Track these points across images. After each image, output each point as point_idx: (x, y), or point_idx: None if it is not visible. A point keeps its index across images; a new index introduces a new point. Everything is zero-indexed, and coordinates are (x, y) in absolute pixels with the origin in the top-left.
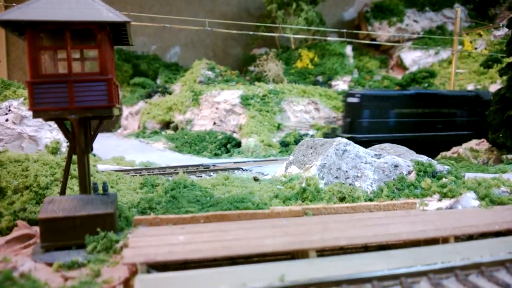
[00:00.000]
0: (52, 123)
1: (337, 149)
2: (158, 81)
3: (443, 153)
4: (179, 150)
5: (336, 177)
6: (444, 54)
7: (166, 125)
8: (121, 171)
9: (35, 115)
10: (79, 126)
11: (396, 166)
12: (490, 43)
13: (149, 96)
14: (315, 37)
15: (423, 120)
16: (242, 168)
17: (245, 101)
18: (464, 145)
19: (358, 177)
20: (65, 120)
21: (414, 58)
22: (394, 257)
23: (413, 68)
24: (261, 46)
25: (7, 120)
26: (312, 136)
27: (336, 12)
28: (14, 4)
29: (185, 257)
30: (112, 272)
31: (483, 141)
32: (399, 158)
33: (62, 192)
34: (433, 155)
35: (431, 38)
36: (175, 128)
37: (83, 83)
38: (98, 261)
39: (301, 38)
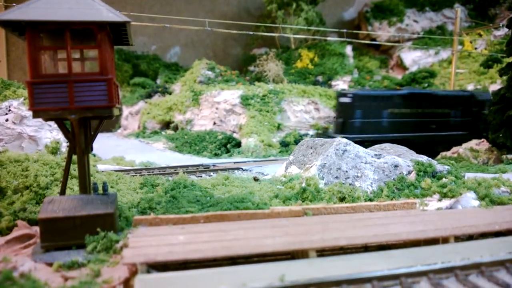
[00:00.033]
0: (52, 123)
1: (337, 149)
2: (158, 81)
3: (443, 153)
4: (179, 150)
5: (336, 177)
6: (444, 54)
7: (166, 125)
8: (121, 171)
9: (35, 115)
10: (79, 126)
11: (396, 166)
12: (490, 43)
13: (149, 96)
14: (315, 37)
15: (416, 120)
16: (242, 168)
17: (245, 101)
18: (464, 145)
19: (358, 177)
20: (65, 120)
21: (414, 58)
22: (394, 257)
23: (413, 68)
24: (261, 46)
25: (7, 120)
26: (312, 136)
27: (336, 12)
28: (14, 4)
29: (185, 257)
30: (112, 272)
31: (483, 141)
32: (399, 158)
33: (62, 192)
34: (427, 155)
35: (431, 38)
36: (175, 128)
37: (83, 83)
38: (98, 261)
39: (301, 38)
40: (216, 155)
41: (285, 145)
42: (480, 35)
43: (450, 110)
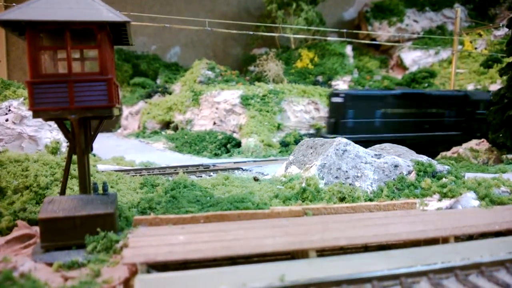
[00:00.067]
0: (52, 123)
1: (337, 149)
2: (158, 81)
3: (443, 153)
4: (179, 150)
5: (336, 177)
6: (444, 54)
7: (166, 125)
8: (121, 171)
9: (35, 115)
10: (79, 126)
11: (396, 166)
12: (490, 43)
13: (149, 96)
14: (315, 37)
15: (409, 121)
16: (242, 168)
17: (245, 101)
18: (464, 145)
19: (358, 177)
20: (65, 120)
21: (414, 58)
22: (394, 257)
23: (413, 68)
24: (261, 46)
25: (7, 120)
26: (309, 136)
27: (336, 12)
28: (14, 4)
29: (185, 257)
30: (112, 272)
31: (483, 141)
32: (399, 158)
33: (62, 192)
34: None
35: (431, 38)
36: (175, 128)
37: (83, 83)
38: (98, 261)
39: (301, 38)
40: (216, 155)
41: (285, 145)
42: (480, 35)
43: (444, 110)
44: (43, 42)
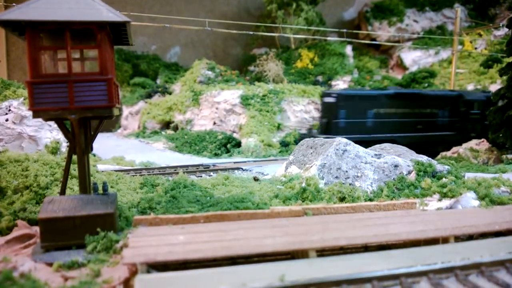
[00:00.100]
0: (52, 123)
1: (337, 149)
2: (158, 81)
3: (443, 153)
4: (179, 150)
5: (336, 177)
6: (444, 54)
7: (166, 125)
8: (121, 171)
9: (35, 115)
10: (79, 126)
11: (396, 166)
12: (490, 43)
13: (149, 96)
14: (315, 37)
15: (402, 121)
16: (242, 168)
17: (245, 101)
18: (464, 145)
19: (358, 177)
20: (65, 120)
21: (414, 58)
22: (394, 257)
23: (413, 68)
24: (261, 46)
25: (7, 120)
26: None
27: (336, 12)
28: (14, 4)
29: (185, 257)
30: (112, 272)
31: (483, 141)
32: (399, 158)
33: (62, 192)
34: None
35: (431, 38)
36: (175, 128)
37: (83, 83)
38: (98, 261)
39: (301, 38)
40: (216, 155)
41: (285, 145)
42: (480, 35)
43: (438, 110)
44: (43, 42)
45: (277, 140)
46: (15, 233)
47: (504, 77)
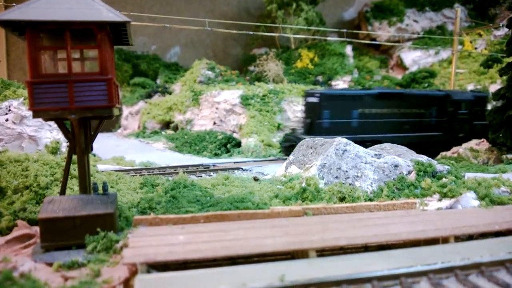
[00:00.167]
0: (52, 123)
1: (337, 149)
2: (158, 81)
3: (443, 153)
4: (179, 150)
5: (336, 177)
6: (444, 54)
7: (166, 125)
8: (121, 171)
9: (35, 115)
10: (79, 126)
11: (396, 166)
12: (490, 43)
13: (149, 96)
14: (315, 37)
15: (388, 121)
16: (242, 168)
17: (245, 101)
18: (464, 145)
19: (358, 177)
20: (65, 120)
21: (414, 58)
22: (394, 257)
23: (413, 68)
24: (261, 46)
25: (7, 120)
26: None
27: (336, 12)
28: (14, 4)
29: (185, 257)
30: (112, 272)
31: (483, 141)
32: (399, 158)
33: (62, 192)
34: None
35: (431, 38)
36: (175, 128)
37: (83, 83)
38: (98, 261)
39: (301, 38)
40: (216, 155)
41: None
42: (480, 35)
43: (424, 110)
44: (43, 42)
45: (277, 140)
46: (15, 233)
47: (504, 77)
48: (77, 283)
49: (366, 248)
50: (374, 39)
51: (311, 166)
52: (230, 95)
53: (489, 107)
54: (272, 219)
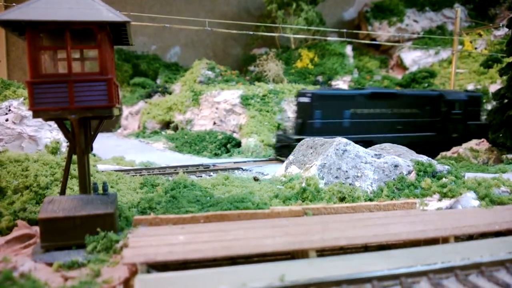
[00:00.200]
0: (52, 123)
1: (337, 149)
2: (158, 81)
3: (443, 153)
4: (179, 150)
5: (336, 177)
6: (444, 54)
7: (166, 125)
8: (121, 171)
9: (35, 115)
10: (79, 126)
11: (396, 166)
12: (490, 43)
13: (149, 96)
14: (315, 37)
15: (380, 121)
16: (242, 168)
17: (245, 101)
18: (464, 145)
19: (358, 177)
20: (65, 120)
21: (414, 58)
22: (394, 257)
23: (413, 68)
24: (261, 46)
25: (7, 120)
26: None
27: (336, 12)
28: (14, 4)
29: (185, 257)
30: (112, 272)
31: (483, 141)
32: (399, 158)
33: (62, 192)
34: None
35: (431, 38)
36: (175, 128)
37: (83, 83)
38: (98, 261)
39: (301, 38)
40: (216, 155)
41: None
42: (480, 35)
43: (417, 111)
44: (43, 42)
45: None
46: (15, 233)
47: (504, 77)
48: (77, 283)
49: (366, 248)
50: (374, 39)
51: (311, 166)
52: (230, 95)
53: (489, 107)
54: (272, 219)
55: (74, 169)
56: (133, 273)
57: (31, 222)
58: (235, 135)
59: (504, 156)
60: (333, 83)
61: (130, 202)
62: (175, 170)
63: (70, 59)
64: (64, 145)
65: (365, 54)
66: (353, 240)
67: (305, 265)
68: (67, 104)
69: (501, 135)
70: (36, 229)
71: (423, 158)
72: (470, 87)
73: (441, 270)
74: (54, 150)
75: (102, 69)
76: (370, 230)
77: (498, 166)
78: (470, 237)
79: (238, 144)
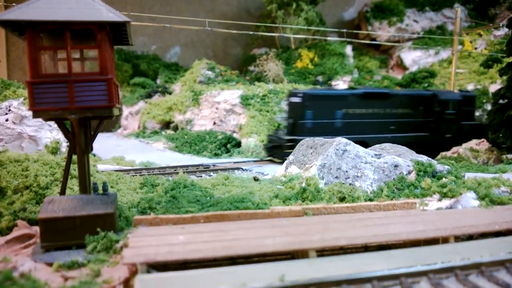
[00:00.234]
0: (52, 123)
1: (337, 149)
2: (158, 81)
3: (443, 153)
4: (179, 150)
5: (336, 177)
6: (444, 54)
7: (166, 125)
8: (121, 171)
9: (35, 115)
10: (79, 126)
11: (396, 166)
12: (490, 43)
13: (149, 96)
14: (315, 37)
15: (373, 121)
16: (242, 168)
17: (245, 101)
18: (464, 145)
19: (358, 177)
20: (65, 120)
21: (414, 58)
22: (394, 257)
23: (413, 68)
24: (261, 46)
25: (7, 120)
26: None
27: (336, 12)
28: (14, 4)
29: (185, 257)
30: (112, 272)
31: (483, 141)
32: (399, 158)
33: (62, 192)
34: None
35: (431, 38)
36: (175, 128)
37: (83, 83)
38: (98, 261)
39: (301, 38)
40: (216, 155)
41: None
42: (480, 35)
43: (410, 111)
44: (43, 42)
45: None
46: (15, 233)
47: (504, 77)
48: (77, 283)
49: (366, 248)
50: (374, 39)
51: (311, 166)
52: (230, 95)
53: (489, 107)
54: (272, 219)
55: (74, 169)
56: (133, 273)
57: (31, 222)
58: (235, 135)
59: (504, 156)
60: (333, 83)
61: (130, 202)
62: (175, 170)
63: (70, 59)
64: (64, 145)
65: (365, 54)
66: (353, 240)
67: (305, 265)
68: (67, 104)
69: (501, 135)
70: (36, 229)
71: (423, 158)
72: (470, 87)
73: (441, 270)
74: (54, 150)
75: (102, 69)
76: (370, 230)
77: (498, 166)
78: (470, 237)
79: (238, 144)
